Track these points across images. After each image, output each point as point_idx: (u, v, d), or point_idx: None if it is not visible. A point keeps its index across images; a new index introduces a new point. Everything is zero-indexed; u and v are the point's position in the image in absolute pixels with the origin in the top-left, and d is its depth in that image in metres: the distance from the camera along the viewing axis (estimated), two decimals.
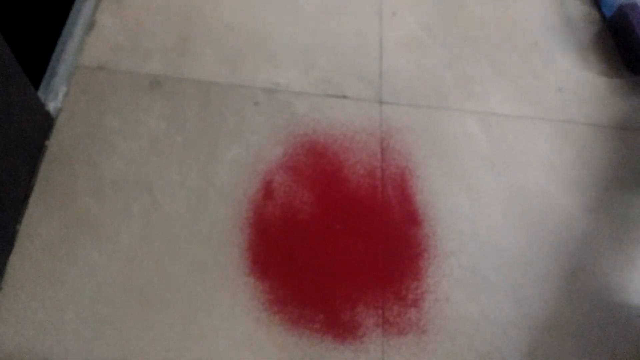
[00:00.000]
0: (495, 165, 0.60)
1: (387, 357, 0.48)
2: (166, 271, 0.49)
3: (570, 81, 0.67)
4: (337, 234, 0.53)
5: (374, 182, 0.56)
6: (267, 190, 0.54)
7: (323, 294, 0.50)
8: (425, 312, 0.50)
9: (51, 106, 0.55)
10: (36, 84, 0.55)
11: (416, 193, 0.56)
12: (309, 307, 0.49)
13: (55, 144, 0.54)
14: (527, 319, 0.51)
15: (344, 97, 0.62)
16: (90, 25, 0.62)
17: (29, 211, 0.50)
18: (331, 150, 0.58)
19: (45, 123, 0.54)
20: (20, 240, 0.49)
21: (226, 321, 0.48)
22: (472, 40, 0.69)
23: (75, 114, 0.56)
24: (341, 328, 0.49)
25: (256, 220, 0.52)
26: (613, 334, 0.52)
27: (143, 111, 0.57)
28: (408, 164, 0.58)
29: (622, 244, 0.57)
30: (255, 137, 0.57)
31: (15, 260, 0.48)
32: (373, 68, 0.65)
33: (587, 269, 0.55)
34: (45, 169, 0.52)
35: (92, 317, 0.46)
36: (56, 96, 0.56)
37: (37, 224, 0.49)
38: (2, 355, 0.44)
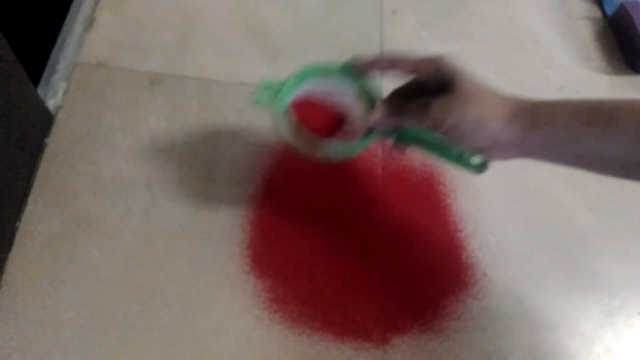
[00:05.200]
0: (496, 164, 0.59)
1: (388, 356, 0.48)
2: (166, 269, 0.49)
3: (571, 80, 0.67)
4: (337, 231, 0.53)
5: (374, 180, 0.56)
6: (268, 188, 0.54)
7: (323, 292, 0.50)
8: (425, 310, 0.50)
9: (51, 103, 0.55)
10: (35, 81, 0.55)
11: None
12: (309, 306, 0.49)
13: (55, 142, 0.54)
14: (528, 317, 0.51)
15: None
16: (90, 22, 0.62)
17: (28, 208, 0.50)
18: None
19: (44, 120, 0.53)
20: (19, 237, 0.48)
21: (226, 319, 0.47)
22: (472, 38, 0.69)
23: (75, 112, 0.56)
24: (342, 326, 0.48)
25: (256, 219, 0.52)
26: (613, 334, 0.52)
27: (143, 109, 0.57)
28: (408, 162, 0.58)
29: (623, 243, 0.57)
30: (255, 135, 0.57)
31: (14, 258, 0.48)
32: None
33: (587, 267, 0.55)
34: (45, 167, 0.52)
35: (91, 315, 0.46)
36: (56, 93, 0.56)
37: (36, 221, 0.49)
38: (1, 354, 0.44)
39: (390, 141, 0.47)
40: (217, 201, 0.53)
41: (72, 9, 0.62)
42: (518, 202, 0.57)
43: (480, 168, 0.45)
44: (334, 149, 0.45)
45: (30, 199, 0.50)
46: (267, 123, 0.58)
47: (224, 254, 0.50)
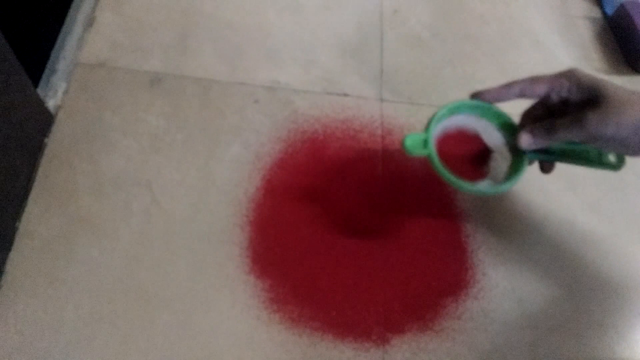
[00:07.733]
0: None
1: (388, 356, 0.48)
2: (166, 269, 0.49)
3: None
4: (337, 232, 0.53)
5: (375, 179, 0.56)
6: (268, 189, 0.54)
7: (323, 292, 0.50)
8: (425, 310, 0.50)
9: (51, 103, 0.55)
10: (35, 81, 0.55)
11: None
12: (309, 306, 0.49)
13: (55, 142, 0.54)
14: (528, 318, 0.51)
15: (345, 94, 0.62)
16: (90, 22, 0.62)
17: (28, 209, 0.50)
18: (332, 148, 0.57)
19: (44, 120, 0.53)
20: (19, 237, 0.48)
21: (226, 319, 0.47)
22: (472, 38, 0.69)
23: (75, 112, 0.56)
24: (341, 327, 0.48)
25: (256, 219, 0.52)
26: (613, 334, 0.52)
27: (143, 109, 0.57)
28: (409, 161, 0.58)
29: (623, 243, 0.57)
30: (255, 135, 0.57)
31: (14, 258, 0.48)
32: (374, 66, 0.64)
33: (587, 267, 0.55)
34: (45, 167, 0.52)
35: (91, 315, 0.46)
36: (55, 93, 0.56)
37: (36, 221, 0.49)
38: (1, 354, 0.44)
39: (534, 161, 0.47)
40: (217, 201, 0.53)
41: (72, 9, 0.62)
42: (518, 202, 0.57)
43: (619, 165, 0.45)
44: (485, 189, 0.46)
45: (30, 199, 0.50)
46: (267, 123, 0.58)
47: (224, 254, 0.50)
